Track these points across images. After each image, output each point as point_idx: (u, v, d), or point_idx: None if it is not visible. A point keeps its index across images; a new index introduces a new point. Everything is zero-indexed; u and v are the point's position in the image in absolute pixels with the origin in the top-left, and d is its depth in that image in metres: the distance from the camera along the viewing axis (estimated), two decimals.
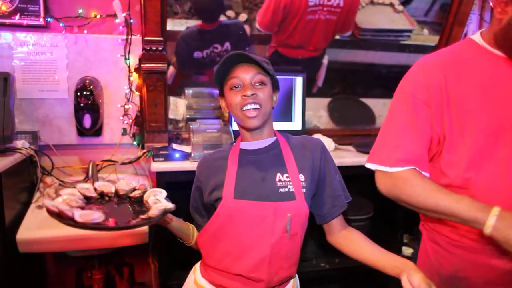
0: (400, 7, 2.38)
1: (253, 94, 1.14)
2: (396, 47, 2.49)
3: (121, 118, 2.12)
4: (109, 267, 2.25)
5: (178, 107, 2.15)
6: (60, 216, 0.98)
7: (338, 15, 2.28)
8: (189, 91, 2.19)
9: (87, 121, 2.03)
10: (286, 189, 1.17)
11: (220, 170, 1.21)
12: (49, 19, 1.99)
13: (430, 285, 0.95)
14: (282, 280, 1.19)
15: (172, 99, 2.14)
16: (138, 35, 2.05)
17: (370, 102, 2.55)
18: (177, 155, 1.89)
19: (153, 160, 1.86)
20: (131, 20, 2.03)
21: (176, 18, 2.10)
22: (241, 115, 1.17)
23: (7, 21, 1.94)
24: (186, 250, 1.33)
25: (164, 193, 1.16)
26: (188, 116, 2.17)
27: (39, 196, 1.94)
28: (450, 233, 1.15)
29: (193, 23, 2.13)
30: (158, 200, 1.10)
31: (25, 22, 1.96)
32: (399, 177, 1.08)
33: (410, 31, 2.48)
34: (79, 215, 0.97)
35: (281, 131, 1.29)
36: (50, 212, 0.98)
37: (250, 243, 1.14)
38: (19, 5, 1.94)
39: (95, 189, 1.15)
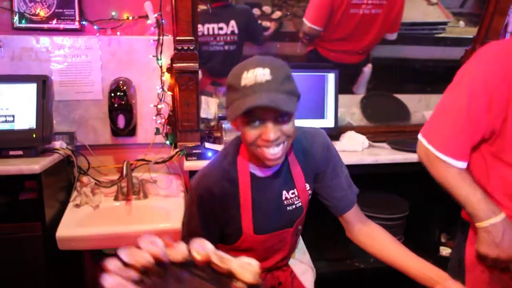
0: None
1: (277, 137, 0.96)
2: (431, 40, 2.41)
3: (154, 118, 2.15)
4: None
5: (209, 106, 2.16)
6: None
7: (384, 9, 2.20)
8: (220, 90, 2.19)
9: (121, 121, 2.06)
10: (294, 206, 1.16)
11: (233, 197, 1.09)
12: (84, 23, 2.03)
13: None
14: None
15: (203, 98, 2.14)
16: (170, 35, 2.06)
17: (404, 98, 2.48)
18: (209, 154, 1.89)
19: (186, 159, 1.88)
20: (163, 21, 2.05)
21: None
22: (257, 152, 1.00)
23: (45, 26, 2.00)
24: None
25: (208, 243, 0.86)
26: (220, 115, 2.18)
27: (76, 195, 1.99)
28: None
29: None
30: (222, 257, 0.82)
31: (61, 26, 2.01)
32: (441, 164, 1.18)
33: (445, 23, 2.39)
34: None
35: None
36: None
37: (270, 255, 1.22)
38: (56, 10, 1.99)
39: (128, 265, 0.78)
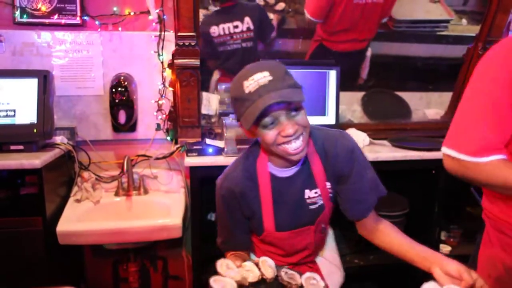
0: None
1: (296, 129, 1.00)
2: (433, 38, 2.40)
3: (155, 113, 2.15)
4: (144, 260, 2.30)
5: (210, 102, 2.16)
6: None
7: None
8: (221, 86, 2.18)
9: (122, 117, 2.07)
10: (316, 205, 1.18)
11: (254, 195, 1.16)
12: (85, 18, 2.03)
13: (469, 271, 0.91)
14: None
15: (205, 94, 2.14)
16: (171, 31, 2.06)
17: (405, 95, 2.48)
18: (210, 150, 1.90)
19: (187, 155, 1.88)
20: (164, 16, 2.05)
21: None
22: (280, 150, 1.04)
23: (47, 20, 2.00)
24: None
25: (269, 259, 1.05)
26: (220, 111, 2.18)
27: (77, 190, 2.00)
28: None
29: None
30: (287, 273, 1.00)
31: (63, 21, 2.01)
32: (478, 166, 1.08)
33: (447, 21, 2.38)
34: None
35: None
36: None
37: (293, 251, 1.24)
38: (57, 5, 1.99)
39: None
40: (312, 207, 1.17)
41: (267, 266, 1.02)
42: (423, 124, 2.46)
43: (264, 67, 0.99)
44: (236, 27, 2.13)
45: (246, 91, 0.97)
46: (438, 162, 2.02)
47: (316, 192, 1.17)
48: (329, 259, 1.36)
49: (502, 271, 1.18)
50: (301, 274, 1.00)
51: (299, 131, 1.01)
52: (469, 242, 2.28)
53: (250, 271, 1.01)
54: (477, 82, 1.12)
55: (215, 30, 2.12)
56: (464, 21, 2.38)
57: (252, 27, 2.15)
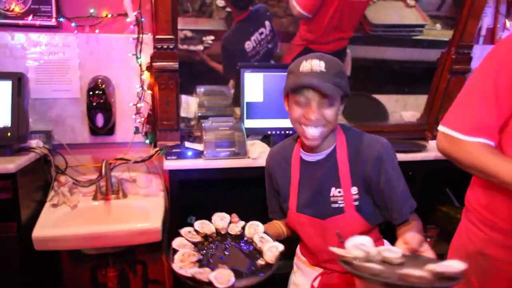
0: (412, 2, 2.34)
1: (318, 119, 1.11)
2: (408, 42, 2.46)
3: (133, 116, 2.13)
4: (123, 265, 2.27)
5: (189, 105, 2.16)
6: (194, 281, 0.91)
7: None
8: (200, 89, 2.18)
9: (100, 120, 2.04)
10: (337, 205, 1.20)
11: (285, 173, 1.30)
12: (61, 19, 2.00)
13: (422, 241, 0.94)
14: None
15: (183, 97, 2.14)
16: (149, 34, 2.05)
17: (382, 98, 2.52)
18: (189, 153, 1.89)
19: (166, 158, 1.87)
20: (142, 19, 2.03)
21: (186, 16, 2.10)
22: (299, 130, 1.17)
23: (21, 22, 1.96)
24: None
25: (261, 226, 1.17)
26: (200, 114, 2.17)
27: (53, 194, 1.96)
28: (486, 212, 1.18)
29: (204, 21, 2.12)
30: (263, 239, 1.09)
31: (37, 22, 1.98)
32: (465, 145, 1.11)
33: (422, 26, 2.44)
34: (216, 279, 0.90)
35: (343, 126, 1.26)
36: (182, 276, 0.92)
37: (315, 248, 1.28)
38: (31, 6, 1.96)
39: (197, 231, 1.11)
40: (333, 205, 1.21)
41: (252, 228, 1.15)
42: (400, 126, 2.52)
43: (324, 58, 1.12)
44: (261, 33, 2.20)
45: (300, 69, 1.11)
46: (415, 164, 2.09)
47: (339, 192, 1.20)
48: None
49: (466, 259, 1.24)
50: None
51: (320, 122, 1.12)
52: (445, 241, 2.34)
53: (237, 227, 1.15)
54: (482, 67, 1.14)
55: (249, 45, 2.18)
56: (438, 26, 2.44)
57: (272, 27, 2.22)
